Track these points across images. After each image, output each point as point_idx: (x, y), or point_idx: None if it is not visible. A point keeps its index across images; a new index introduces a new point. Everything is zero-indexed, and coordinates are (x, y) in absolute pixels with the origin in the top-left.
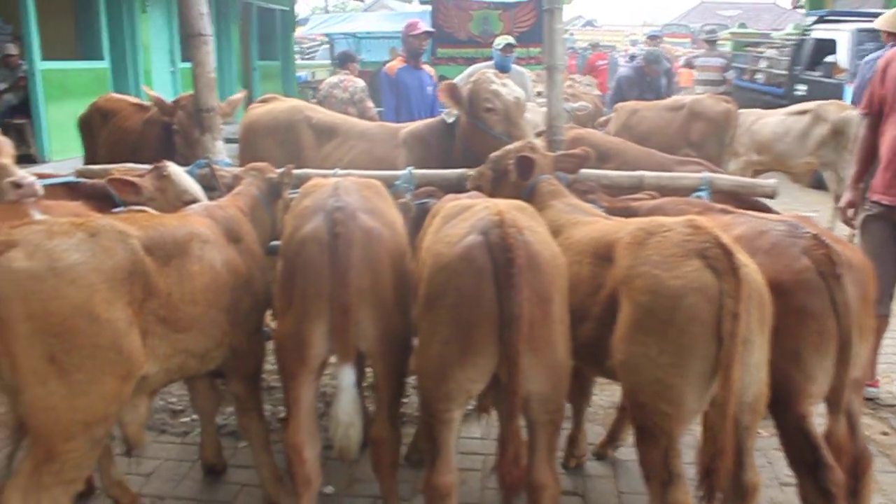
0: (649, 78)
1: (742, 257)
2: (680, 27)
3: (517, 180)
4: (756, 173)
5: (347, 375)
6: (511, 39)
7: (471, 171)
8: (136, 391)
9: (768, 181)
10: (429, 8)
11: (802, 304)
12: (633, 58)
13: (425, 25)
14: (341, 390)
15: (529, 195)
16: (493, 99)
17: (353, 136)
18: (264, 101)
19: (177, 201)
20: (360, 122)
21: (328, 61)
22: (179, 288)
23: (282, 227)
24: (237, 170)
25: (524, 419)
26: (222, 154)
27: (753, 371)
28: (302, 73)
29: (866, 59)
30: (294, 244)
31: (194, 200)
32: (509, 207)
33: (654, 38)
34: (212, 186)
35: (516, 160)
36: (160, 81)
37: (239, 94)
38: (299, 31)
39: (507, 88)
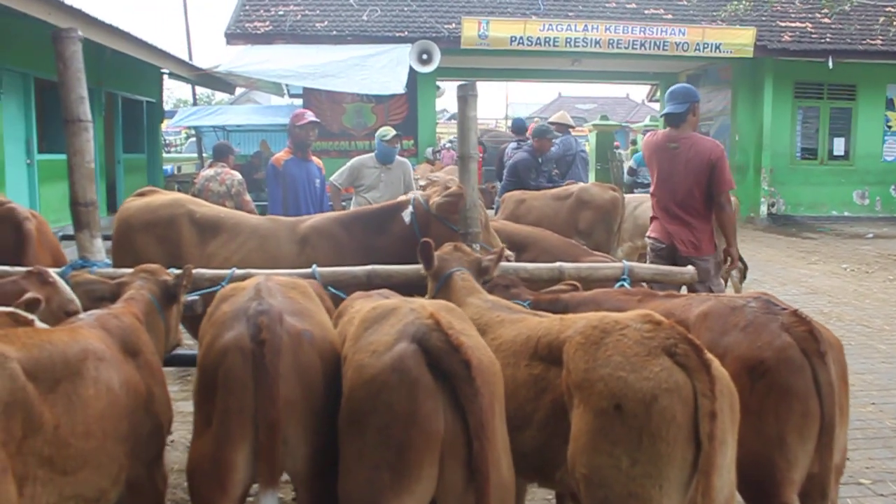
0: (541, 157)
1: (708, 353)
2: (540, 120)
3: (426, 272)
4: (641, 257)
5: (273, 501)
6: (395, 131)
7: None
8: None
9: (686, 268)
10: (295, 101)
11: (786, 383)
12: (519, 143)
13: (312, 115)
14: None
15: (442, 290)
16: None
17: (242, 233)
18: (141, 194)
19: (60, 312)
20: (250, 216)
21: (195, 154)
22: (70, 419)
23: (177, 337)
24: (124, 271)
25: None
26: (101, 254)
27: (725, 473)
28: (167, 167)
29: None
30: (214, 355)
31: (78, 311)
32: (438, 308)
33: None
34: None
35: (419, 249)
36: (14, 175)
37: None
38: (166, 124)
39: None
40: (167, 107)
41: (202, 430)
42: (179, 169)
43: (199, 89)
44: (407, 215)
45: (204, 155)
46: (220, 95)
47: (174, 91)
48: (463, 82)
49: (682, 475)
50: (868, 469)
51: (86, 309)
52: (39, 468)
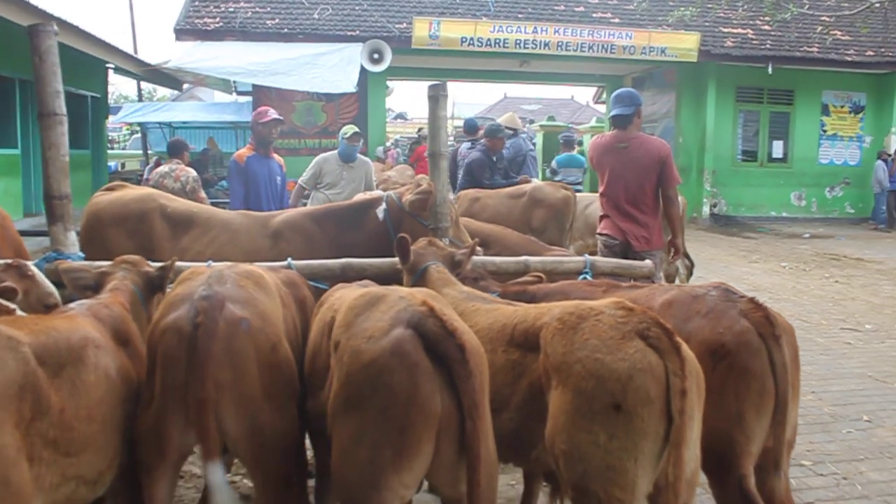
0: (495, 155)
1: (678, 337)
2: (486, 120)
3: (402, 266)
4: (592, 255)
5: (216, 473)
6: (357, 129)
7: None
8: None
9: (645, 262)
10: (241, 98)
11: (745, 365)
12: (473, 143)
13: (275, 113)
14: (214, 491)
15: (418, 283)
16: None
17: (214, 227)
18: (111, 188)
19: (39, 305)
20: (222, 211)
21: (139, 151)
22: (73, 403)
23: None
24: (102, 264)
25: None
26: (75, 247)
27: (693, 446)
28: (111, 163)
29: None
30: (156, 333)
31: (57, 304)
32: (427, 296)
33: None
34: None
35: (395, 243)
36: None
37: None
38: (111, 120)
39: None
40: (109, 103)
41: (147, 403)
42: (123, 166)
43: (142, 85)
44: (381, 212)
45: (149, 152)
46: (162, 91)
47: (117, 86)
48: (435, 83)
49: (655, 448)
50: (809, 452)
51: (68, 298)
52: (45, 449)
